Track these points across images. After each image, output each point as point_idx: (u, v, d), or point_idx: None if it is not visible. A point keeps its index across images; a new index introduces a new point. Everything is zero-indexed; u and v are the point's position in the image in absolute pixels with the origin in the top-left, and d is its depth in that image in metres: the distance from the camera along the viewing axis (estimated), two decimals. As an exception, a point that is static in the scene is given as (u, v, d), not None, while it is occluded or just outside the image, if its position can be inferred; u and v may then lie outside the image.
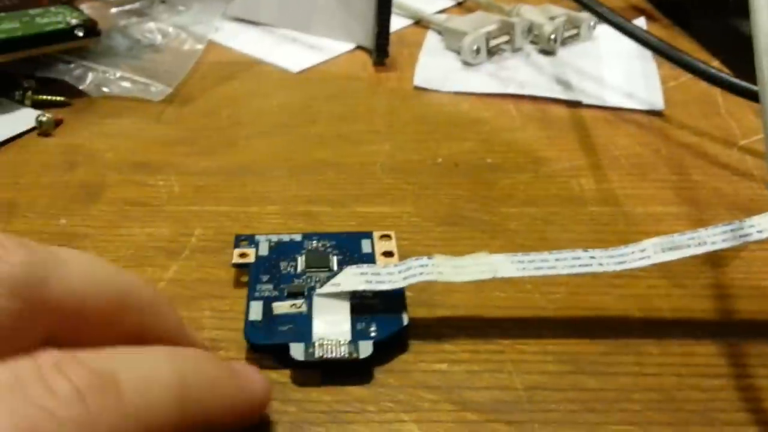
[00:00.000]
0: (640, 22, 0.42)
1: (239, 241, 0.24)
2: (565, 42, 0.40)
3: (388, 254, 0.24)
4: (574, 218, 0.27)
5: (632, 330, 0.22)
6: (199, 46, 0.38)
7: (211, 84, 0.36)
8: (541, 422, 0.19)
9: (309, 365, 0.20)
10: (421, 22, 0.43)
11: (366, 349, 0.20)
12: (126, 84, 0.34)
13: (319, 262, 0.23)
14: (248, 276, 0.23)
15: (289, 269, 0.23)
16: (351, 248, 0.24)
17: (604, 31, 0.38)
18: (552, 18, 0.39)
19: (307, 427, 0.19)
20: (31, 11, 0.35)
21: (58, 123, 0.32)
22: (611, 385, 0.20)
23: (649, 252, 0.21)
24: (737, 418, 0.19)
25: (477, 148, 0.31)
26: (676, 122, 0.33)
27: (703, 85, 0.32)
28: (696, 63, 0.30)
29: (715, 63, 0.38)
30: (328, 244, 0.24)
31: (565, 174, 0.29)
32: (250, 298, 0.22)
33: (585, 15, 0.39)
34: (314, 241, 0.24)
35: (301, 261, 0.23)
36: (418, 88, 0.36)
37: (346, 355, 0.20)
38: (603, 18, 0.34)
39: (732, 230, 0.21)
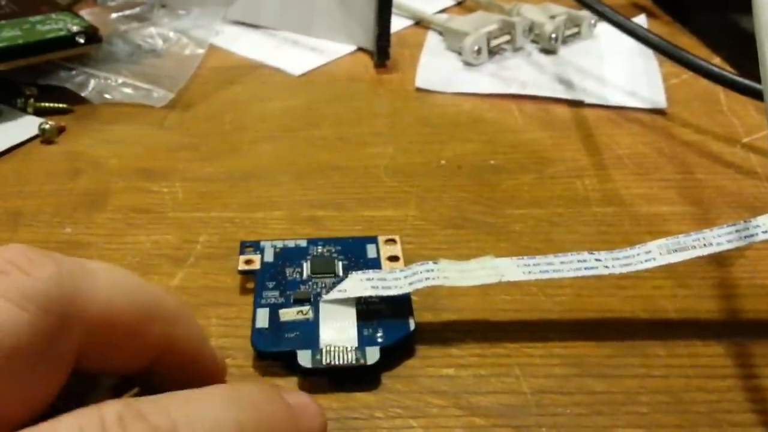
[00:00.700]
0: (641, 19, 0.42)
1: (244, 247, 0.24)
2: (566, 40, 0.40)
3: (393, 259, 0.24)
4: (579, 219, 0.27)
5: (638, 332, 0.22)
6: (200, 51, 0.38)
7: (213, 88, 0.36)
8: (548, 426, 0.19)
9: (316, 372, 0.20)
10: (421, 23, 0.43)
11: (373, 355, 0.20)
12: (128, 90, 0.34)
13: (324, 268, 0.23)
14: (254, 283, 0.23)
15: (294, 275, 0.23)
16: (356, 253, 0.24)
17: (606, 29, 0.38)
18: (553, 17, 0.39)
19: (315, 435, 0.19)
20: (32, 18, 0.35)
21: (61, 130, 0.32)
22: (618, 388, 0.20)
23: (654, 254, 0.21)
24: (745, 419, 0.19)
25: (480, 150, 0.31)
26: (679, 120, 0.33)
27: (706, 82, 0.31)
28: (697, 61, 0.30)
29: (717, 59, 0.38)
30: (333, 250, 0.24)
31: (569, 174, 0.29)
32: (257, 305, 0.22)
33: (586, 13, 0.39)
34: (319, 247, 0.24)
35: (306, 267, 0.23)
36: (419, 90, 0.36)
37: (354, 362, 0.20)
38: (603, 16, 0.34)
39: (737, 231, 0.21)
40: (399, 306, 0.22)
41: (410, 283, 0.21)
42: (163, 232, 0.26)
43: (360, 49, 0.40)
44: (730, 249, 0.21)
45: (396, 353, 0.21)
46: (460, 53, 0.38)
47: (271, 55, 0.39)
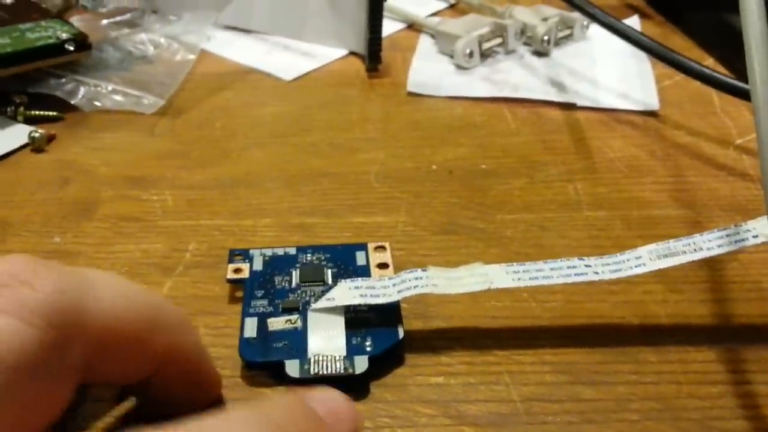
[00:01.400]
0: (634, 20, 0.42)
1: (233, 255, 0.24)
2: (558, 43, 0.40)
3: (383, 266, 0.24)
4: (570, 224, 0.26)
5: (629, 338, 0.22)
6: (191, 56, 0.38)
7: (204, 95, 0.36)
8: (538, 435, 0.19)
9: (304, 382, 0.20)
10: (413, 26, 0.42)
11: (362, 364, 0.20)
12: (118, 97, 0.34)
13: (313, 276, 0.23)
14: (243, 291, 0.23)
15: (283, 284, 0.23)
16: (346, 261, 0.24)
17: (598, 30, 0.38)
18: (545, 19, 0.39)
19: (303, 446, 0.19)
20: (22, 26, 0.35)
21: (50, 138, 0.32)
22: (609, 395, 0.20)
23: (644, 259, 0.21)
24: (736, 426, 0.19)
25: (472, 154, 0.31)
26: (671, 122, 0.33)
27: (699, 83, 0.31)
28: (689, 63, 0.30)
29: (710, 60, 0.38)
30: (322, 257, 0.24)
31: (561, 178, 0.29)
32: (245, 314, 0.22)
33: (578, 15, 0.39)
34: (309, 255, 0.24)
35: (295, 275, 0.23)
36: (411, 94, 0.36)
37: (342, 371, 0.20)
38: (594, 18, 0.33)
39: (728, 235, 0.21)
40: (388, 314, 0.21)
41: (399, 291, 0.21)
42: (152, 240, 0.26)
43: (352, 53, 0.39)
44: (720, 254, 0.21)
45: (385, 362, 0.21)
46: (452, 56, 0.38)
47: (263, 61, 0.39)
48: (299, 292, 0.23)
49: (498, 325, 0.22)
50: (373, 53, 0.37)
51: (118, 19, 0.40)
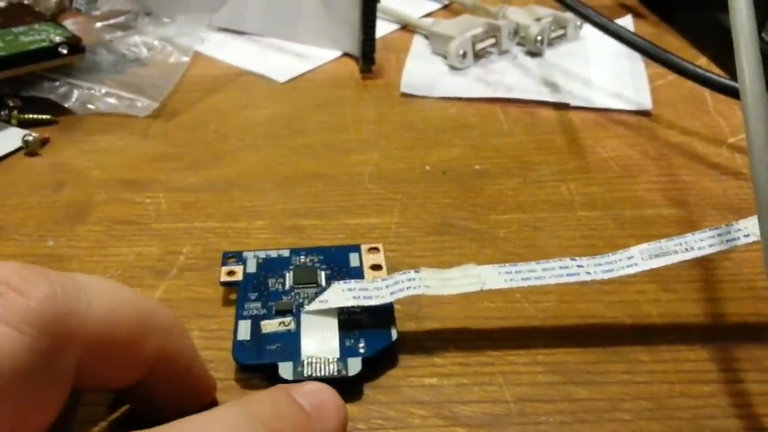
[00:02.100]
0: (627, 19, 0.42)
1: (227, 258, 0.24)
2: (551, 43, 0.40)
3: (376, 267, 0.24)
4: (563, 224, 0.27)
5: (622, 337, 0.22)
6: (185, 59, 0.38)
7: (198, 97, 0.36)
8: (531, 435, 0.19)
9: (298, 384, 0.20)
10: (407, 27, 0.43)
11: (355, 366, 0.20)
12: (112, 100, 0.34)
13: (307, 278, 0.23)
14: (236, 294, 0.23)
15: (277, 286, 0.23)
16: (339, 262, 0.24)
17: (591, 30, 0.38)
18: (538, 19, 0.39)
19: (297, 448, 0.19)
20: (15, 29, 0.35)
21: (44, 142, 0.32)
22: (602, 395, 0.20)
23: (636, 259, 0.21)
24: (728, 424, 0.19)
25: (465, 155, 0.31)
26: (664, 122, 0.33)
27: (691, 82, 0.31)
28: (682, 63, 0.30)
29: (703, 60, 0.38)
30: (316, 259, 0.24)
31: (554, 178, 0.29)
32: (238, 317, 0.22)
33: (571, 15, 0.39)
34: (302, 257, 0.24)
35: (289, 277, 0.23)
36: (405, 95, 0.36)
37: (335, 373, 0.20)
38: (587, 19, 0.34)
39: (719, 235, 0.21)
40: (381, 316, 0.21)
41: (392, 293, 0.21)
42: (145, 243, 0.26)
43: (345, 54, 0.39)
44: (712, 253, 0.21)
45: (378, 363, 0.21)
46: (445, 57, 0.38)
47: (256, 62, 0.39)
48: (293, 294, 0.23)
49: (491, 325, 0.22)
50: (366, 54, 0.37)
51: (111, 21, 0.40)
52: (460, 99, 0.35)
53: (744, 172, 0.29)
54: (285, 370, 0.20)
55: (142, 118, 0.34)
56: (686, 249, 0.21)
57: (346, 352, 0.20)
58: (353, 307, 0.21)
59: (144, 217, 0.27)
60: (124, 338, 0.16)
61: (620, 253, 0.22)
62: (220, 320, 0.23)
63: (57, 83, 0.35)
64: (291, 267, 0.24)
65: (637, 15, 0.43)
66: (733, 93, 0.29)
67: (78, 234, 0.27)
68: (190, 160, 0.31)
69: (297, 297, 0.22)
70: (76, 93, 0.34)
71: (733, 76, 0.29)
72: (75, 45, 0.35)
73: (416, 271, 0.22)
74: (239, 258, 0.24)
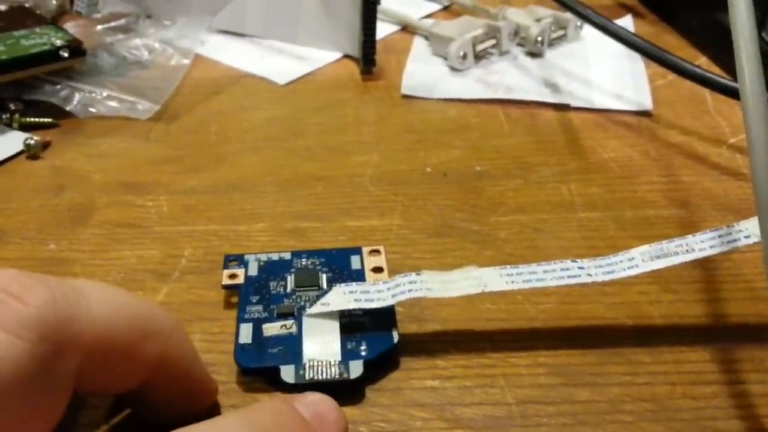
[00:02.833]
0: (627, 19, 0.42)
1: (228, 261, 0.24)
2: (552, 43, 0.40)
3: (377, 270, 0.24)
4: (564, 225, 0.27)
5: (623, 339, 0.22)
6: (186, 61, 0.38)
7: (199, 99, 0.36)
8: (533, 437, 0.19)
9: (300, 387, 0.20)
10: (407, 28, 0.43)
11: (357, 369, 0.20)
12: (113, 103, 0.34)
13: (308, 281, 0.23)
14: (238, 297, 0.23)
15: (278, 289, 0.23)
16: (340, 265, 0.24)
17: (591, 30, 0.38)
18: (538, 20, 0.39)
19: (299, 451, 0.19)
20: (16, 33, 0.35)
21: (46, 145, 0.32)
22: (603, 397, 0.20)
23: (637, 261, 0.21)
24: (730, 425, 0.19)
25: (466, 156, 0.31)
26: (665, 122, 0.33)
27: (692, 82, 0.31)
28: (681, 63, 0.30)
29: (703, 59, 0.38)
30: (317, 262, 0.24)
31: (555, 179, 0.29)
32: (240, 320, 0.22)
33: (571, 15, 0.39)
34: (303, 259, 0.24)
35: (290, 280, 0.23)
36: (405, 96, 0.36)
37: (337, 376, 0.20)
38: (586, 19, 0.34)
39: (720, 236, 0.21)
40: (382, 318, 0.22)
41: (393, 295, 0.21)
42: (147, 246, 0.26)
43: (346, 56, 0.39)
44: (713, 255, 0.21)
45: (380, 366, 0.21)
46: (446, 58, 0.38)
47: (257, 65, 0.39)
48: (294, 297, 0.23)
49: (493, 327, 0.22)
50: (367, 56, 0.37)
51: (112, 24, 0.40)
52: (460, 100, 0.35)
53: (745, 173, 0.29)
54: (287, 373, 0.20)
55: (143, 121, 0.34)
56: (687, 250, 0.21)
57: (347, 355, 0.20)
58: (355, 309, 0.22)
59: (145, 220, 0.27)
60: (124, 343, 0.16)
61: (621, 255, 0.22)
62: (221, 323, 0.23)
63: (58, 86, 0.35)
64: (292, 270, 0.24)
65: (636, 15, 0.43)
66: (733, 93, 0.28)
67: (79, 237, 0.27)
68: (191, 162, 0.31)
69: (298, 300, 0.22)
70: (77, 96, 0.34)
71: (733, 76, 0.29)
72: (76, 48, 0.35)
73: (417, 274, 0.22)
74: (241, 261, 0.24)
